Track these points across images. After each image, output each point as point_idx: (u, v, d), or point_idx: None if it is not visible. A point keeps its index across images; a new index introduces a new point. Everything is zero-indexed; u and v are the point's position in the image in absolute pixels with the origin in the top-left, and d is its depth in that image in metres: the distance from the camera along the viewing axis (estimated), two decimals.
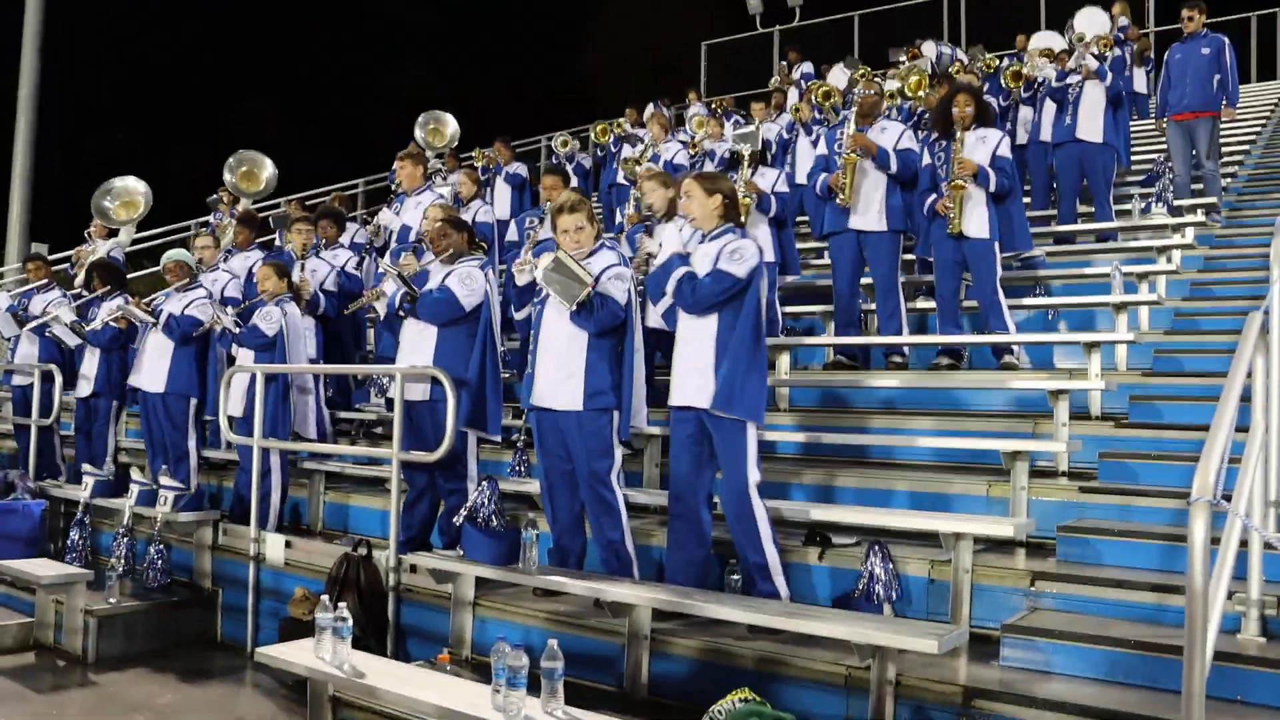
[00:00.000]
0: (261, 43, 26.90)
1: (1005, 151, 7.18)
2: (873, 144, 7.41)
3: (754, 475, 4.88)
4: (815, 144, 10.67)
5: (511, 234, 9.08)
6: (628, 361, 5.25)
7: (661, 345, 6.90)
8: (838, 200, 7.47)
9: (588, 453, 5.24)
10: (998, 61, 11.96)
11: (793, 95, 13.84)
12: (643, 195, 7.17)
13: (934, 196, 7.23)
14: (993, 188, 7.06)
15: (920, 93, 9.91)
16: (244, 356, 7.36)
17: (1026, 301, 7.63)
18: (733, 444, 4.89)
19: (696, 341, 4.98)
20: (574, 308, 5.10)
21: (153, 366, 7.76)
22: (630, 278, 5.28)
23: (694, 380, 4.95)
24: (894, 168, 7.34)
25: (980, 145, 7.16)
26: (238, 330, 7.32)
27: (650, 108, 15.49)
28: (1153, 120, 13.10)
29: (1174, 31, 14.54)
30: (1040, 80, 9.97)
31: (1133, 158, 11.18)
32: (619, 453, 5.31)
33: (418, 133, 12.41)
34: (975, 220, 7.06)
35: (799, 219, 10.63)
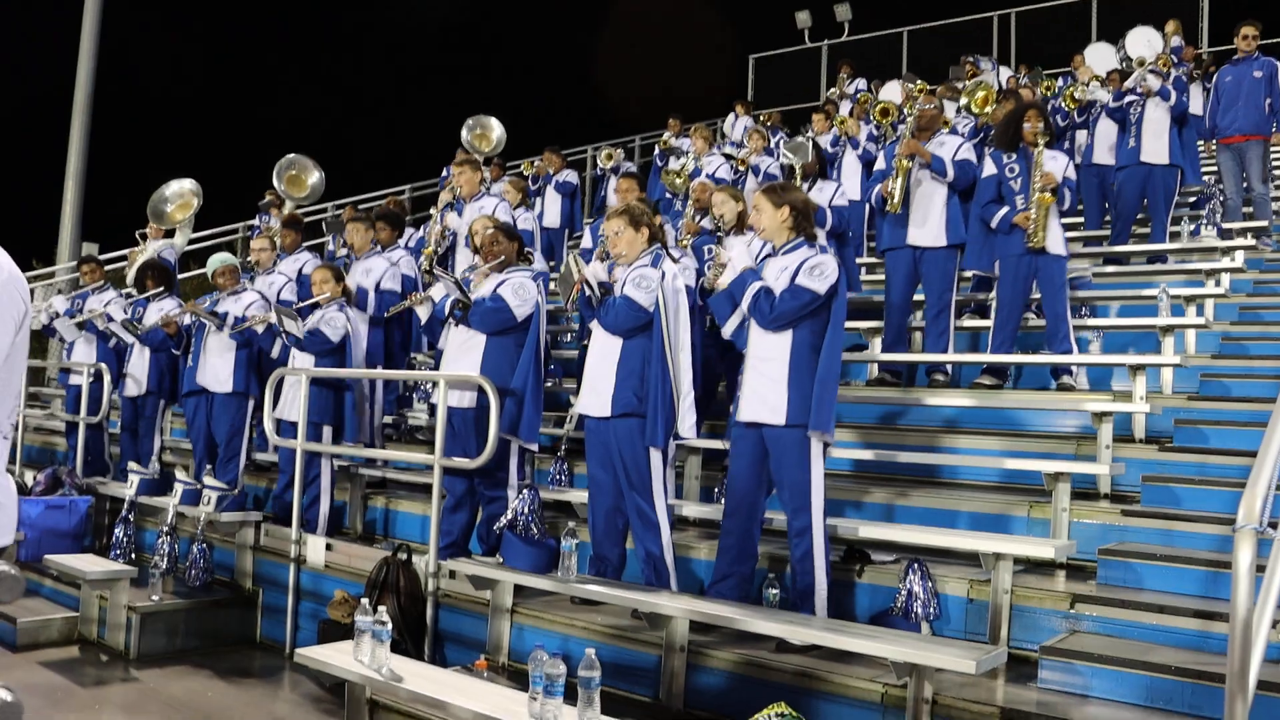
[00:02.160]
0: (314, 47, 27.21)
1: (1072, 172, 7.12)
2: (925, 150, 7.36)
3: (819, 498, 4.86)
4: (862, 159, 10.69)
5: (586, 241, 9.11)
6: (654, 369, 5.22)
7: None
8: (886, 208, 7.44)
9: (624, 461, 5.29)
10: (1059, 83, 11.89)
11: (843, 109, 13.80)
12: (713, 208, 7.18)
13: (1006, 210, 7.02)
14: (1065, 205, 7.00)
15: (987, 109, 9.83)
16: (301, 361, 7.40)
17: (1073, 322, 7.54)
18: (802, 463, 4.86)
19: (769, 359, 4.94)
20: (568, 305, 5.20)
21: (218, 367, 7.86)
22: (657, 284, 5.25)
23: (765, 397, 4.92)
24: (950, 175, 7.25)
25: (1052, 163, 7.02)
26: (300, 335, 7.35)
27: (739, 120, 15.60)
28: (1202, 143, 13.02)
29: (1228, 53, 14.45)
30: (1093, 103, 9.89)
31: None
32: (657, 461, 5.29)
33: (464, 135, 12.46)
34: (1054, 235, 6.93)
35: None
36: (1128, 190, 9.26)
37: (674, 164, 12.19)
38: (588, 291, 5.39)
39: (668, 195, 11.12)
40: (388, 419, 8.53)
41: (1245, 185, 9.53)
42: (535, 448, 6.27)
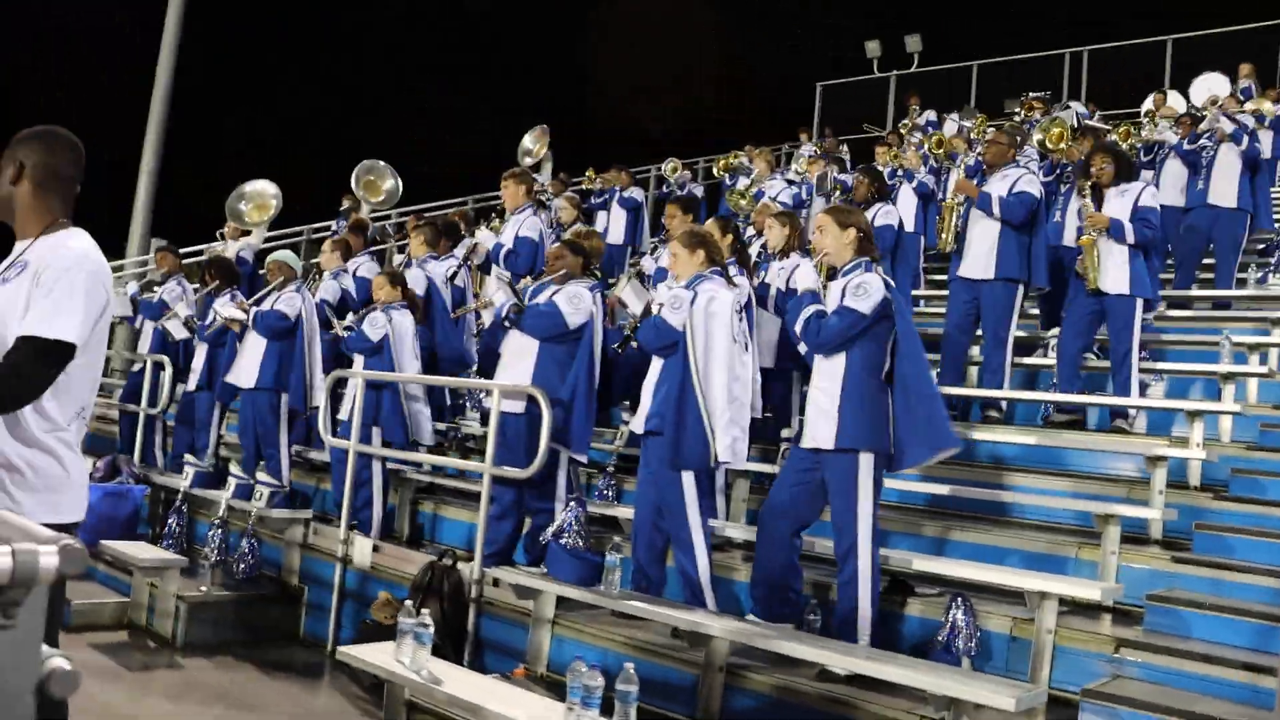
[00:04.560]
0: (387, 57, 27.48)
1: (1148, 201, 6.92)
2: (972, 188, 7.37)
3: (866, 525, 4.80)
4: (918, 191, 10.70)
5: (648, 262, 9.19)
6: (686, 388, 5.20)
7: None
8: (942, 248, 7.49)
9: (656, 478, 5.34)
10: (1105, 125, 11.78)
11: (915, 139, 13.77)
12: (763, 230, 7.22)
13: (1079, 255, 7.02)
14: (1130, 239, 6.79)
15: (1062, 145, 9.78)
16: (356, 362, 7.50)
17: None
18: (848, 488, 4.81)
19: (826, 382, 4.90)
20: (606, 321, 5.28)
21: (247, 362, 7.97)
22: (687, 306, 5.27)
23: (818, 423, 4.87)
24: (996, 212, 7.23)
25: (1119, 199, 6.95)
26: (346, 334, 7.48)
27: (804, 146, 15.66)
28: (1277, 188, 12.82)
29: None
30: (1160, 144, 9.80)
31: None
32: (689, 483, 5.28)
33: (527, 140, 12.52)
34: (1113, 275, 6.83)
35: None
36: (1193, 232, 9.16)
37: (740, 184, 12.23)
38: (621, 315, 5.48)
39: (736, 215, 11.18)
40: (440, 425, 8.61)
41: None
42: (584, 459, 6.29)
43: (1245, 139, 9.04)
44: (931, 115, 16.41)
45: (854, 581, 4.81)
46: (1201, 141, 9.23)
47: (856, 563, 4.80)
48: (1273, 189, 11.22)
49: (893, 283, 5.01)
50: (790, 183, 11.59)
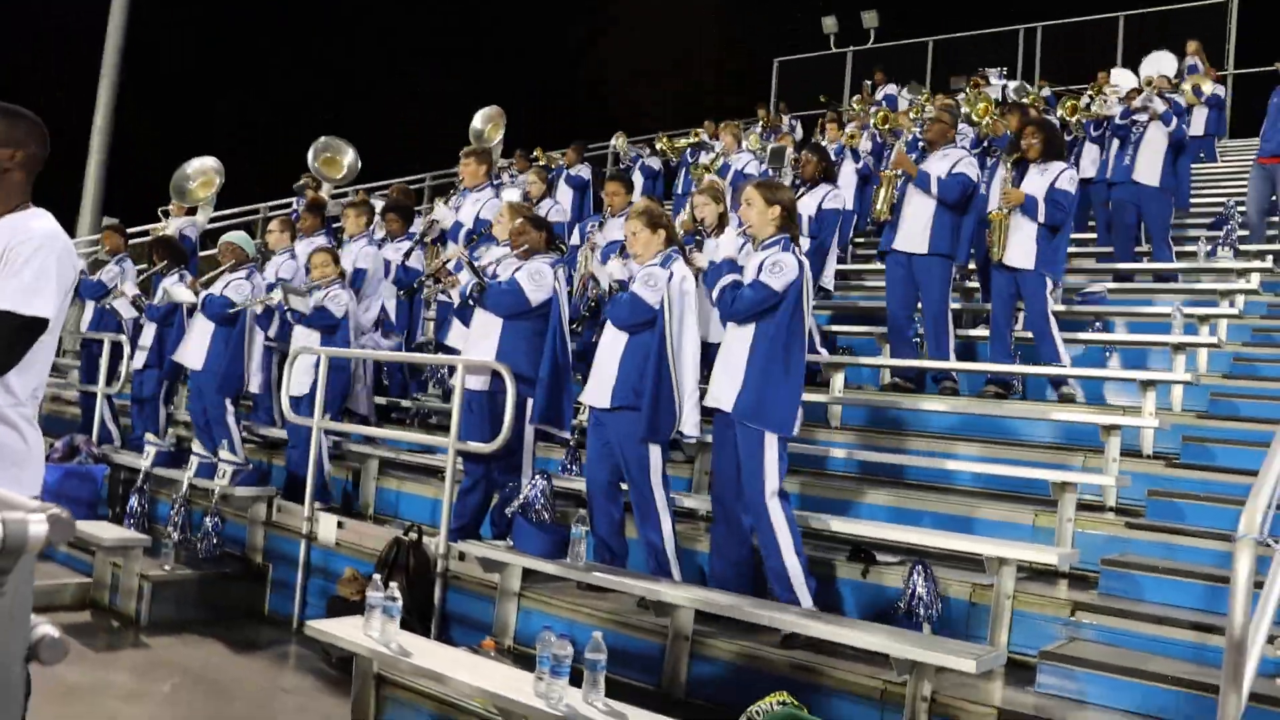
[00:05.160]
0: (379, 40, 27.15)
1: (1065, 185, 7.10)
2: (911, 165, 7.51)
3: (771, 484, 4.98)
4: (860, 171, 10.84)
5: (574, 238, 9.19)
6: (663, 364, 5.31)
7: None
8: (879, 217, 7.65)
9: (623, 452, 5.41)
10: (1037, 96, 11.93)
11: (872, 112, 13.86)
12: (695, 209, 7.26)
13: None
14: (1041, 218, 7.02)
15: (986, 119, 9.93)
16: (303, 338, 7.52)
17: (1083, 336, 7.62)
18: (753, 453, 5.01)
19: (734, 348, 5.12)
20: (577, 299, 5.32)
21: (195, 344, 8.00)
22: (664, 284, 5.36)
23: (725, 385, 5.09)
24: (934, 191, 7.36)
25: (1039, 176, 7.16)
26: (307, 312, 7.46)
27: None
28: (1218, 163, 13.04)
29: (1257, 76, 14.45)
30: (1110, 119, 9.95)
31: (1199, 200, 11.12)
32: (656, 455, 5.41)
33: (478, 122, 12.41)
34: (1020, 250, 7.06)
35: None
36: (1121, 207, 9.36)
37: (704, 158, 12.27)
38: (591, 288, 5.52)
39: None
40: (404, 402, 8.62)
41: (1270, 207, 9.56)
42: (568, 435, 6.40)
43: (1174, 120, 9.23)
44: (891, 91, 16.52)
45: (772, 538, 4.96)
46: (1134, 117, 9.38)
47: (769, 517, 4.95)
48: (1201, 165, 11.46)
49: (806, 264, 5.15)
50: (754, 154, 11.65)
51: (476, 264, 6.48)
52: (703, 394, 5.38)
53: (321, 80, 25.55)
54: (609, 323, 5.63)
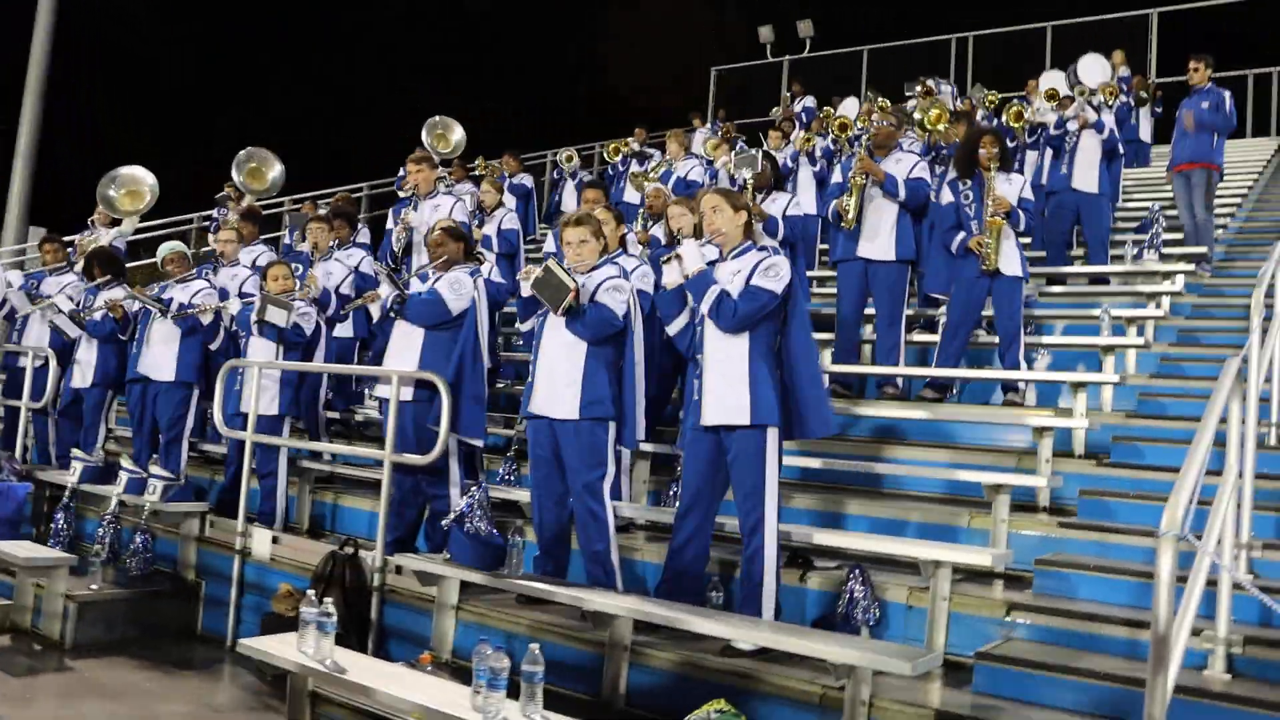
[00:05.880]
0: (276, 39, 26.88)
1: (1029, 193, 7.34)
2: (879, 170, 7.54)
3: (771, 502, 4.90)
4: (819, 175, 10.86)
5: (549, 245, 9.15)
6: (628, 372, 5.34)
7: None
8: (842, 224, 7.61)
9: (581, 462, 5.33)
10: (996, 97, 12.08)
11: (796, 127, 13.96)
12: (670, 221, 7.18)
13: (962, 235, 7.24)
14: (1020, 227, 7.20)
15: (940, 126, 10.03)
16: (258, 351, 7.36)
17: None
18: (757, 462, 4.90)
19: (729, 360, 4.95)
20: (560, 313, 5.24)
21: (161, 355, 7.80)
22: (630, 290, 5.37)
23: (726, 399, 4.92)
24: (902, 195, 7.45)
25: (1006, 185, 7.25)
26: (288, 326, 7.25)
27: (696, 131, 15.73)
28: (1149, 168, 13.31)
29: (1176, 85, 14.78)
30: (1044, 125, 10.10)
31: (1130, 204, 11.34)
32: (612, 464, 5.39)
33: (425, 136, 12.42)
34: (1007, 258, 7.14)
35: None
36: (1059, 215, 9.49)
37: (649, 166, 12.26)
38: (575, 302, 5.34)
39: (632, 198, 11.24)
40: (336, 415, 8.52)
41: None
42: (480, 444, 6.29)
43: (1106, 128, 9.41)
44: (810, 102, 16.64)
45: (760, 555, 4.89)
46: (1068, 127, 9.55)
47: (764, 537, 4.88)
48: (1131, 170, 11.69)
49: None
50: (707, 162, 11.66)
51: (391, 274, 6.47)
52: (658, 406, 5.32)
53: (321, 96, 25.41)
54: (555, 332, 5.41)
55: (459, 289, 6.16)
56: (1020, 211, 7.16)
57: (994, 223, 7.11)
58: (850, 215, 7.64)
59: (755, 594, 4.89)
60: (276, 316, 7.17)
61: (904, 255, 7.53)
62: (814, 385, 4.97)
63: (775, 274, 4.91)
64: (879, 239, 7.55)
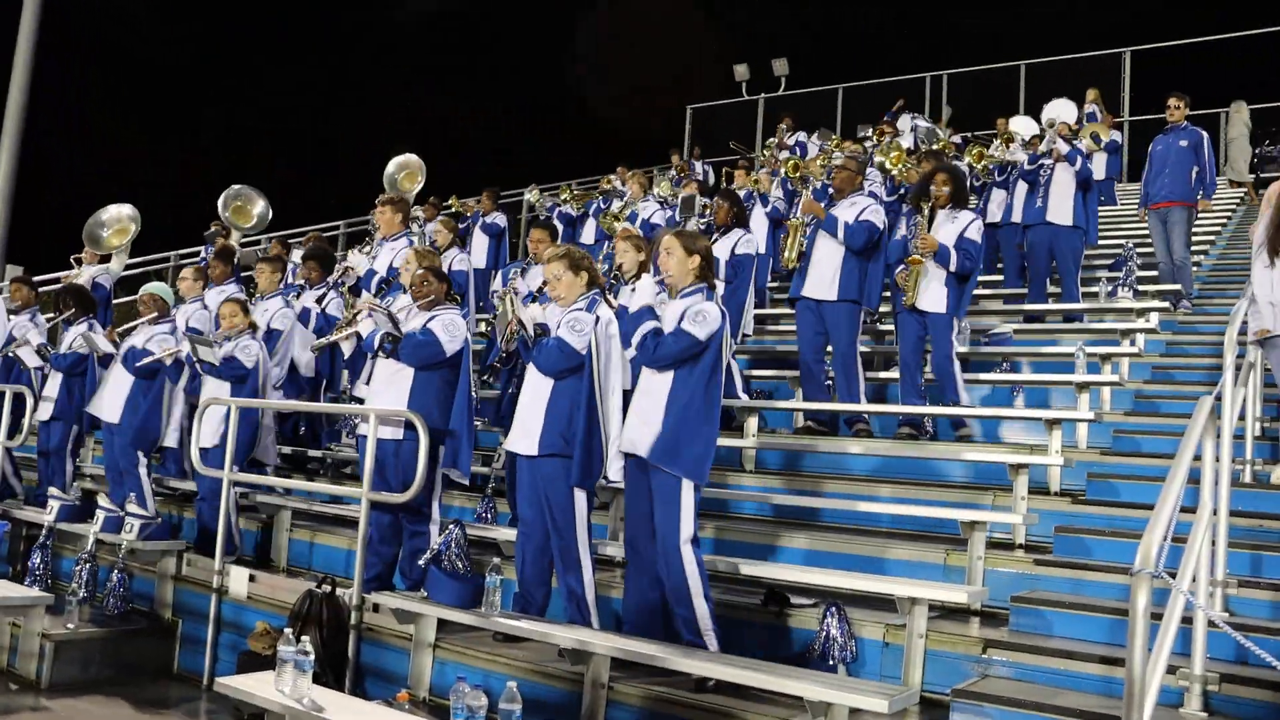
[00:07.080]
0: (254, 82, 26.98)
1: (973, 234, 7.31)
2: (820, 209, 7.65)
3: (686, 530, 4.98)
4: (770, 215, 10.98)
5: (496, 284, 9.16)
6: (592, 410, 5.30)
7: None
8: (781, 262, 7.73)
9: (549, 499, 5.37)
10: (952, 147, 12.22)
11: (783, 158, 14.04)
12: (615, 254, 7.27)
13: (902, 268, 7.40)
14: (953, 267, 7.21)
15: (901, 166, 10.15)
16: (214, 389, 7.39)
17: (989, 377, 7.81)
18: (668, 499, 5.01)
19: (651, 394, 5.11)
20: (502, 344, 5.30)
21: (112, 396, 7.83)
22: (590, 328, 5.36)
23: (641, 430, 5.07)
24: (840, 236, 7.50)
25: (949, 224, 7.34)
26: (216, 362, 7.33)
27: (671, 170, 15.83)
28: (1117, 206, 13.47)
29: (1149, 122, 15.00)
30: (1013, 164, 10.22)
31: (1101, 242, 11.45)
32: (581, 502, 5.39)
33: (390, 168, 12.33)
34: (931, 295, 7.24)
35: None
36: (1036, 249, 9.60)
37: (615, 206, 12.35)
38: (522, 332, 5.49)
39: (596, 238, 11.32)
40: (315, 453, 8.51)
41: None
42: (467, 482, 6.36)
43: (1079, 160, 9.53)
44: (801, 137, 16.80)
45: (685, 585, 4.95)
46: (1041, 161, 9.67)
47: (682, 564, 4.95)
48: (1101, 208, 11.83)
49: (726, 314, 5.21)
50: (663, 204, 11.74)
51: (390, 313, 6.45)
52: None
53: (314, 99, 25.46)
54: (531, 369, 5.57)
55: (454, 330, 6.16)
56: (953, 251, 7.20)
57: (914, 261, 7.27)
58: (787, 254, 7.73)
59: (691, 625, 4.96)
60: (206, 354, 7.31)
61: (847, 295, 7.54)
62: (689, 426, 5.02)
63: (703, 320, 5.04)
64: (823, 278, 7.60)
